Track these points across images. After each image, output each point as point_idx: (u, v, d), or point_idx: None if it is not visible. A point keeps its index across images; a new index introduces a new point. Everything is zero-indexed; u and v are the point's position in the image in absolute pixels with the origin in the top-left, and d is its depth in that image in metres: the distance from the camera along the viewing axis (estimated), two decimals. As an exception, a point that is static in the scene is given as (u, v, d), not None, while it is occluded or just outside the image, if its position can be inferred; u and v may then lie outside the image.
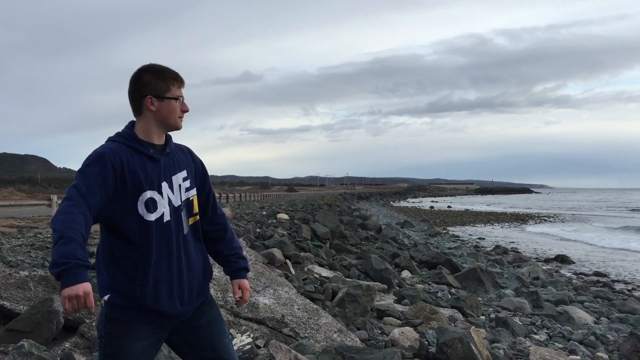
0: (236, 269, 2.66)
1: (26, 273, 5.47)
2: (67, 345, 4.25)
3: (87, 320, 4.52)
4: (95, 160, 2.25)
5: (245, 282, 2.65)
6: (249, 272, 6.45)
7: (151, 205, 2.34)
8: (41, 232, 12.09)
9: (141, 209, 2.32)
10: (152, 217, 2.34)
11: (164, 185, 2.38)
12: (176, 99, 2.39)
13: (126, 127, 2.45)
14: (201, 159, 2.64)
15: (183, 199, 2.44)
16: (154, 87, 2.36)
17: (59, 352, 4.09)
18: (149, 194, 2.33)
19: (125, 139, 2.38)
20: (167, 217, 2.38)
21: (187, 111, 2.43)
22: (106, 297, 2.34)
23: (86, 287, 2.01)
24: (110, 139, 2.41)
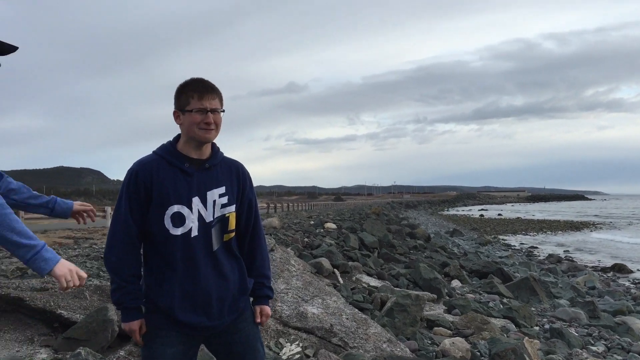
0: (259, 295, 2.63)
1: (83, 282, 5.64)
2: (121, 353, 4.35)
3: (141, 329, 4.62)
4: (127, 177, 2.39)
5: (267, 309, 2.64)
6: (298, 282, 6.46)
7: (177, 219, 2.35)
8: (96, 242, 12.48)
9: (167, 222, 2.35)
10: (178, 231, 2.35)
11: (195, 200, 2.37)
12: (197, 110, 2.36)
13: (172, 139, 2.50)
14: (249, 171, 2.62)
15: (217, 215, 2.42)
16: (177, 101, 2.42)
17: (114, 359, 4.18)
18: (176, 208, 2.35)
19: (163, 152, 2.44)
20: (194, 233, 2.37)
21: (209, 122, 2.36)
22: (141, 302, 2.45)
23: (132, 325, 2.37)
24: (153, 151, 2.49)
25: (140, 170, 2.38)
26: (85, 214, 2.78)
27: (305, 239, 15.09)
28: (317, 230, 18.96)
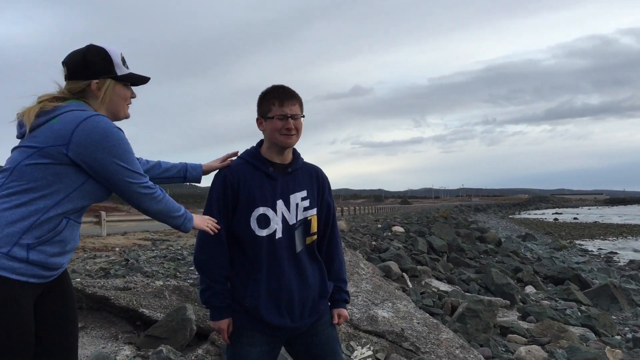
0: (338, 299, 2.67)
1: (161, 283, 5.88)
2: (199, 351, 4.50)
3: (217, 329, 4.77)
4: (217, 181, 2.51)
5: (344, 312, 2.67)
6: (368, 286, 6.47)
7: (263, 221, 2.43)
8: (172, 244, 12.94)
9: (253, 224, 2.43)
10: (264, 232, 2.43)
11: (279, 203, 2.45)
12: (278, 117, 2.43)
13: (255, 144, 2.60)
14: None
15: (299, 218, 2.49)
16: (260, 108, 2.51)
17: (193, 357, 4.34)
18: (261, 210, 2.43)
19: (249, 157, 2.55)
20: (279, 234, 2.44)
21: (289, 128, 2.43)
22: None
23: (220, 324, 2.45)
24: (239, 156, 2.61)
25: (228, 174, 2.49)
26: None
27: (373, 242, 15.07)
28: (385, 234, 18.90)
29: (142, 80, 2.33)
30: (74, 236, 2.18)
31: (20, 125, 2.12)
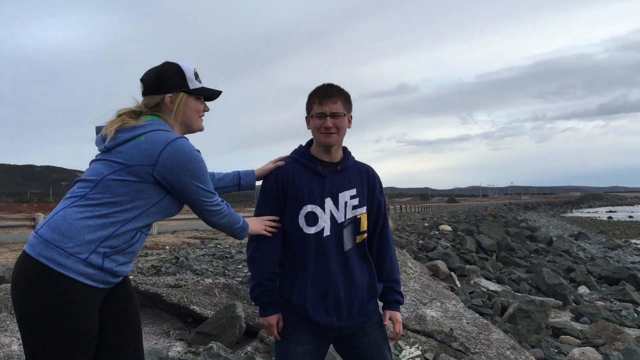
0: (389, 300, 2.61)
1: (210, 280, 5.98)
2: (248, 348, 4.56)
3: (266, 326, 4.82)
4: (268, 179, 2.56)
5: (397, 315, 2.60)
6: (416, 285, 6.41)
7: (311, 219, 2.44)
8: (220, 242, 13.15)
9: (301, 221, 2.44)
10: (312, 230, 2.43)
11: (328, 201, 2.45)
12: (317, 115, 2.45)
13: (305, 143, 2.62)
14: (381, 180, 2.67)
15: (348, 216, 2.48)
16: (306, 107, 2.55)
17: (242, 354, 4.39)
18: (309, 207, 2.44)
19: (298, 155, 2.57)
20: (327, 232, 2.44)
21: (327, 127, 2.44)
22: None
23: (270, 320, 2.47)
24: (289, 155, 2.62)
25: (279, 173, 2.53)
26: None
27: (420, 241, 14.94)
28: (432, 233, 18.69)
29: (214, 93, 2.42)
30: (140, 248, 2.32)
31: (104, 139, 2.21)
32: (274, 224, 2.48)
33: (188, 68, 2.33)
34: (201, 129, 2.40)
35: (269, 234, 2.47)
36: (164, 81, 2.29)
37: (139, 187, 2.13)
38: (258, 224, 2.47)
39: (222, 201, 2.38)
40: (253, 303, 2.53)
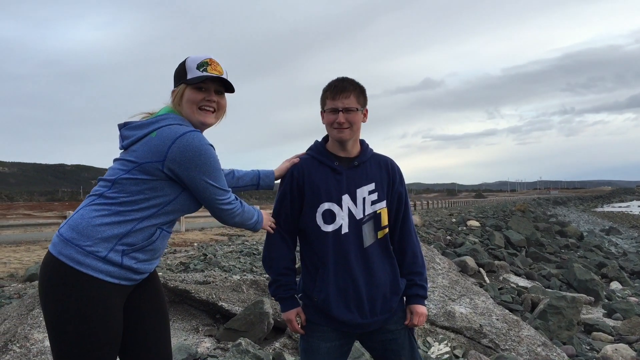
0: (409, 295, 2.54)
1: (238, 277, 6.02)
2: (277, 345, 4.58)
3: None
4: (283, 177, 2.55)
5: (417, 307, 2.52)
6: (444, 281, 6.35)
7: (328, 216, 2.41)
8: (247, 239, 13.22)
9: (319, 219, 2.42)
10: (329, 228, 2.41)
11: (345, 197, 2.42)
12: (329, 110, 2.41)
13: (322, 139, 2.58)
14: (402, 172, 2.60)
15: (367, 212, 2.44)
16: (320, 102, 2.50)
17: (271, 350, 4.41)
18: (326, 205, 2.41)
19: (314, 152, 2.54)
20: (345, 230, 2.40)
21: (339, 122, 2.38)
22: (299, 296, 2.54)
23: (289, 315, 2.50)
24: (306, 151, 2.60)
25: (295, 171, 2.50)
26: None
27: (448, 237, 14.82)
28: (460, 228, 18.52)
29: (198, 79, 2.25)
30: (164, 245, 2.31)
31: (122, 138, 2.23)
32: (274, 225, 2.52)
33: (194, 59, 2.26)
34: (203, 122, 2.27)
35: (272, 231, 2.50)
36: (175, 76, 2.30)
37: (153, 185, 2.12)
38: (266, 220, 2.51)
39: (236, 199, 2.34)
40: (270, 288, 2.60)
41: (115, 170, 2.16)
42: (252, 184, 2.69)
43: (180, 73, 2.27)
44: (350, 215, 2.42)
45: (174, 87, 2.30)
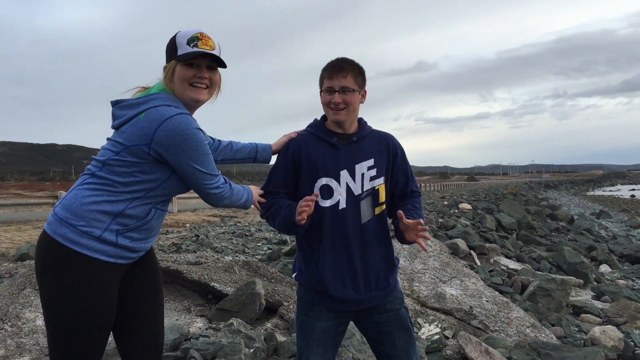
0: (411, 217, 2.39)
1: (230, 258, 6.05)
2: (268, 325, 4.61)
3: (285, 303, 4.87)
4: (282, 150, 2.55)
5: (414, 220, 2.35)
6: (435, 263, 6.38)
7: (326, 191, 2.40)
8: (240, 221, 13.23)
9: None
10: (327, 203, 2.40)
11: (344, 173, 2.41)
12: (325, 90, 2.40)
13: (321, 117, 2.57)
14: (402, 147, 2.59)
15: (366, 188, 2.43)
16: (319, 81, 2.49)
17: (262, 331, 4.44)
18: (324, 180, 2.40)
19: (313, 128, 2.53)
20: (342, 205, 2.40)
21: (335, 102, 2.36)
22: (294, 275, 2.55)
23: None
24: (305, 128, 2.59)
25: (291, 145, 2.51)
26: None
27: (440, 220, 14.87)
28: (452, 211, 18.60)
29: (189, 55, 2.18)
30: (160, 223, 2.31)
31: (113, 116, 2.20)
32: (263, 199, 2.52)
33: (183, 34, 2.19)
34: (195, 99, 2.21)
35: (263, 201, 2.50)
36: (166, 52, 2.25)
37: (143, 168, 2.10)
38: (255, 195, 2.51)
39: (225, 182, 2.31)
40: (282, 231, 2.49)
41: (106, 151, 2.14)
42: (250, 157, 2.70)
43: (171, 48, 2.21)
44: (349, 190, 2.42)
45: (166, 62, 2.25)
